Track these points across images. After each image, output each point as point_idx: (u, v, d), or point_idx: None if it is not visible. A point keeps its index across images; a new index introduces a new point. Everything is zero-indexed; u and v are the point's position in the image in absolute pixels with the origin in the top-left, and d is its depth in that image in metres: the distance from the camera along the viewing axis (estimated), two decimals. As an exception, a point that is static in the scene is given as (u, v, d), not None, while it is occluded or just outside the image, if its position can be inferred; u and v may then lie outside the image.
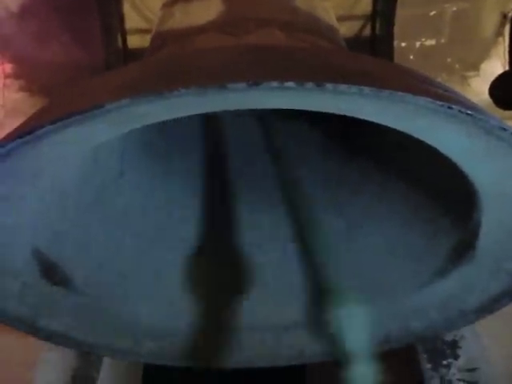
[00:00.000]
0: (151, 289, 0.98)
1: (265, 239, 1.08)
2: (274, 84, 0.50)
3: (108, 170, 0.97)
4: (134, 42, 2.16)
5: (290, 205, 0.98)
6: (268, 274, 1.03)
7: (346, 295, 0.81)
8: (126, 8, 2.20)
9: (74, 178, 0.85)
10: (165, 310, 0.97)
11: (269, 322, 1.01)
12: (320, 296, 0.84)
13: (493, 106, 1.81)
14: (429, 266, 0.92)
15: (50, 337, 0.92)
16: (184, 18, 1.16)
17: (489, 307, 0.89)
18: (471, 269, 0.85)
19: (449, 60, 2.29)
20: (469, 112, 0.54)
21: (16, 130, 0.60)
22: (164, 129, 1.03)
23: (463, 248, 0.85)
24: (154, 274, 1.00)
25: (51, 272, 0.85)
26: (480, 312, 0.91)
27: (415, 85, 0.58)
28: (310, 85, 0.51)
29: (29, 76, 2.14)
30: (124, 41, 2.12)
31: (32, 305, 0.87)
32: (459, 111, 0.54)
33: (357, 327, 0.77)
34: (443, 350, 1.20)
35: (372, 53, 2.24)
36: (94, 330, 0.96)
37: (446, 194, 0.87)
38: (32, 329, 0.89)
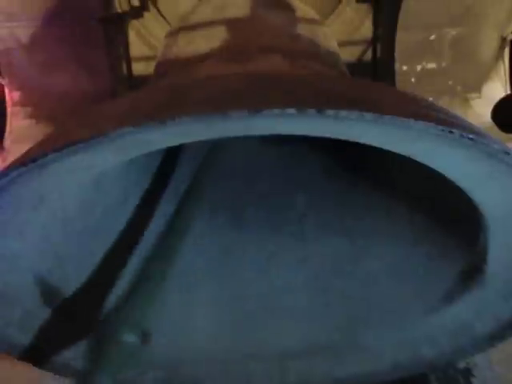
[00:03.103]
0: (154, 316, 0.97)
1: (271, 264, 1.07)
2: (276, 111, 0.50)
3: (112, 196, 0.97)
4: (138, 68, 2.20)
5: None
6: (275, 300, 1.02)
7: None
8: (131, 35, 2.25)
9: (78, 204, 0.85)
10: (168, 339, 0.96)
11: (275, 349, 0.99)
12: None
13: (495, 127, 1.81)
14: (437, 291, 0.90)
15: (51, 366, 0.91)
16: (188, 46, 1.18)
17: (500, 334, 0.86)
18: (481, 294, 0.84)
19: (450, 83, 2.31)
20: (470, 136, 0.54)
21: (20, 157, 0.61)
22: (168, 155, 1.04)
23: (471, 272, 0.84)
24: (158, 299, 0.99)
25: (53, 298, 0.84)
26: (491, 339, 0.88)
27: (416, 110, 0.59)
28: (311, 111, 0.51)
29: (36, 103, 2.18)
30: (129, 68, 2.16)
31: (33, 333, 0.85)
32: (461, 135, 0.54)
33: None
34: (456, 378, 1.17)
35: (374, 76, 2.27)
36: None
37: (451, 216, 0.86)
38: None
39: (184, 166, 1.03)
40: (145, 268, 0.80)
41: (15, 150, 2.07)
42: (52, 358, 0.87)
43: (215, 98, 0.58)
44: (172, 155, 1.06)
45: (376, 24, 2.25)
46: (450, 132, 0.53)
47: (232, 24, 1.12)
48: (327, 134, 0.59)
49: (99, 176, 0.74)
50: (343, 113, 0.51)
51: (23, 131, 2.16)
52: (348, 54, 2.20)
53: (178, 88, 0.69)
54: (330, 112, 0.51)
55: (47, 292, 0.82)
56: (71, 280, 0.89)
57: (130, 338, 0.69)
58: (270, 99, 0.54)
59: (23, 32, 2.06)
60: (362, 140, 0.60)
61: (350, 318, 0.98)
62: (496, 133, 1.76)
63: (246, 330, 1.00)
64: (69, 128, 0.65)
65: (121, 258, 0.94)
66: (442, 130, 0.53)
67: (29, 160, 0.56)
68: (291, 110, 0.51)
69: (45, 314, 0.84)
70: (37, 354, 0.86)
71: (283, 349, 0.99)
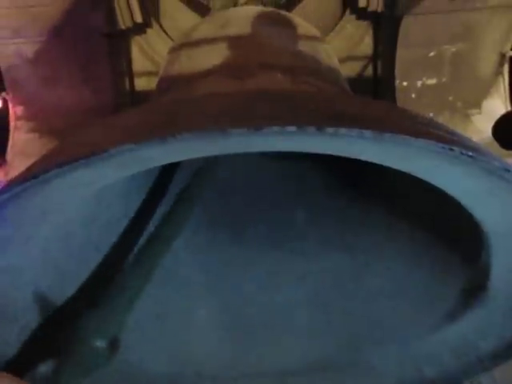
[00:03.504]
0: (154, 333, 0.96)
1: (271, 281, 1.07)
2: (275, 129, 0.51)
3: (113, 211, 0.97)
4: (141, 84, 2.23)
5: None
6: (275, 317, 1.02)
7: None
8: (134, 51, 2.28)
9: (79, 219, 0.85)
10: (168, 355, 0.95)
11: (275, 366, 0.98)
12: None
13: (495, 142, 1.82)
14: (439, 309, 0.89)
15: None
16: (190, 62, 1.19)
17: (504, 353, 0.85)
18: (483, 312, 0.83)
19: (450, 98, 2.33)
20: (470, 153, 0.54)
21: (23, 173, 0.61)
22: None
23: (474, 289, 0.83)
24: (157, 317, 0.98)
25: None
26: (495, 358, 0.86)
27: (416, 127, 0.59)
28: (311, 129, 0.51)
29: (39, 118, 2.20)
30: (131, 83, 2.19)
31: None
32: (461, 153, 0.54)
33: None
34: (460, 397, 1.14)
35: (374, 92, 2.29)
36: (98, 378, 0.93)
37: (453, 233, 0.86)
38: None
39: (180, 179, 1.03)
40: (122, 277, 0.80)
41: (17, 163, 2.08)
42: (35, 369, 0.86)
43: (216, 115, 0.58)
44: (171, 169, 1.06)
45: (376, 41, 2.29)
46: (451, 149, 0.53)
47: (234, 41, 1.14)
48: (327, 151, 0.59)
49: (101, 191, 0.75)
50: (343, 130, 0.52)
51: (26, 145, 2.18)
52: (348, 70, 2.22)
53: (179, 105, 0.69)
54: (330, 130, 0.52)
55: (46, 309, 0.82)
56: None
57: (98, 343, 0.70)
58: (270, 116, 0.55)
59: (27, 48, 2.09)
60: (362, 157, 0.60)
61: (351, 335, 0.97)
62: (496, 148, 1.76)
63: (246, 346, 0.99)
64: (71, 144, 0.66)
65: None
66: (443, 148, 0.53)
67: (31, 175, 0.57)
68: (291, 128, 0.51)
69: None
70: (21, 364, 0.84)
71: (284, 366, 0.98)
